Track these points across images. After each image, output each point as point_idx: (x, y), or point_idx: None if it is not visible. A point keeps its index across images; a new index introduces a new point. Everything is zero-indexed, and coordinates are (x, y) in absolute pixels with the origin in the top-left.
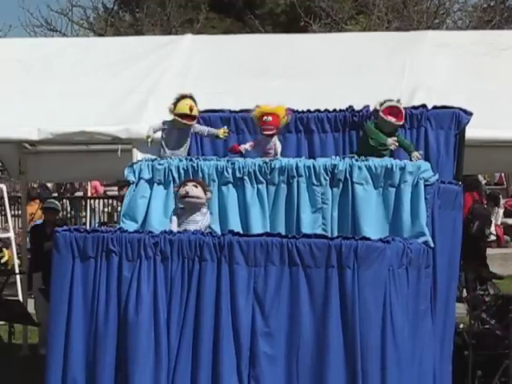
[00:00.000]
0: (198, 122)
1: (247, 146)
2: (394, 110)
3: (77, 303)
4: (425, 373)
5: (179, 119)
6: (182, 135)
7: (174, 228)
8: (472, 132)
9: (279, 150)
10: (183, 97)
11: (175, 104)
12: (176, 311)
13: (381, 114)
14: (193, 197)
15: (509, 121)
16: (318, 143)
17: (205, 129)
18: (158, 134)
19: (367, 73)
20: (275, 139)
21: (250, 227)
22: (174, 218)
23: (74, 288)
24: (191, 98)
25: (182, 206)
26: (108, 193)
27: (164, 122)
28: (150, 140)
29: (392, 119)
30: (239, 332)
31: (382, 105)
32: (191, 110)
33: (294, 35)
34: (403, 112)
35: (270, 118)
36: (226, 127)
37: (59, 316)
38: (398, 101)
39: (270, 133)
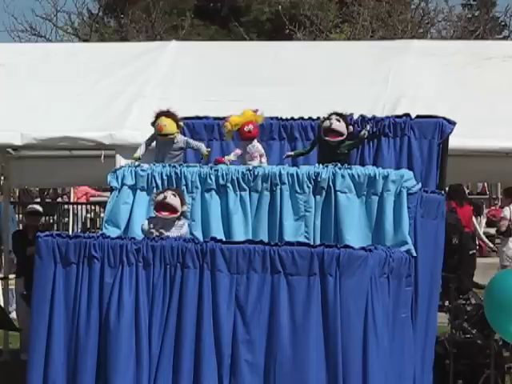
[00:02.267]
0: (183, 129)
1: (231, 156)
2: (326, 130)
3: (58, 309)
4: (405, 380)
5: (157, 134)
6: (165, 147)
7: (144, 226)
8: (456, 141)
9: (262, 150)
10: (158, 116)
11: (154, 121)
12: (158, 318)
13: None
14: (168, 206)
15: (492, 130)
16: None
17: (197, 145)
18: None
19: (351, 81)
20: (255, 142)
21: (232, 234)
22: (146, 224)
23: (55, 293)
24: (167, 114)
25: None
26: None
27: (152, 135)
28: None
29: (329, 139)
30: (220, 339)
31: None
32: (160, 130)
33: (278, 42)
34: (338, 128)
35: (251, 127)
36: (209, 149)
37: (40, 321)
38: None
39: (251, 137)
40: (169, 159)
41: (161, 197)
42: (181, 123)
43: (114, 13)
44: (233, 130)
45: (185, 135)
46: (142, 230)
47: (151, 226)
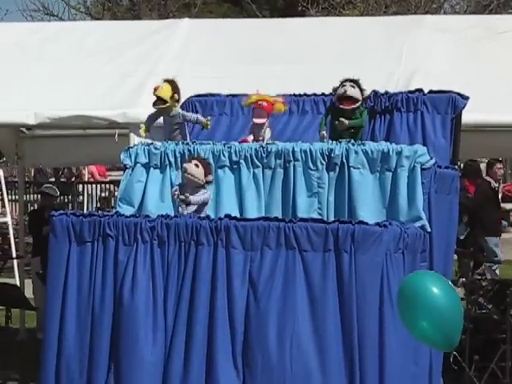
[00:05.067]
0: (195, 106)
1: (250, 139)
2: (341, 98)
3: (73, 287)
4: (422, 357)
5: (153, 107)
6: (167, 122)
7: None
8: (469, 116)
9: (267, 136)
10: (163, 81)
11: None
12: (173, 295)
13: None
14: (190, 174)
15: (506, 105)
16: (311, 124)
17: (194, 117)
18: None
19: (365, 57)
20: (266, 127)
21: (245, 210)
22: (176, 188)
23: (69, 272)
24: (170, 81)
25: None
26: (110, 178)
27: (149, 116)
28: (143, 130)
29: (343, 107)
30: (234, 316)
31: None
32: (155, 90)
33: (291, 19)
34: (354, 94)
35: (265, 103)
36: (209, 117)
37: (55, 300)
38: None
39: (261, 122)
40: (170, 133)
41: (184, 167)
42: (176, 96)
43: None
44: (252, 99)
45: (197, 112)
46: (172, 196)
47: (177, 192)
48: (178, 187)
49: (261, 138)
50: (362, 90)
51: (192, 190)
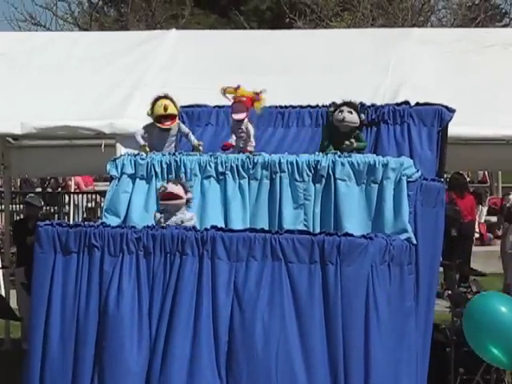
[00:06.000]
0: (181, 117)
1: (232, 140)
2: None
3: (57, 297)
4: (410, 370)
5: (156, 123)
6: (163, 136)
7: (156, 218)
8: (456, 129)
9: (252, 132)
10: (158, 98)
11: (152, 107)
12: (158, 305)
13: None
14: (171, 194)
15: (492, 118)
16: (294, 136)
17: (187, 131)
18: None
19: (352, 69)
20: (246, 122)
21: (230, 222)
22: (157, 214)
23: (54, 282)
24: (166, 97)
25: (162, 208)
26: (97, 188)
27: (144, 127)
28: (147, 149)
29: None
30: (218, 325)
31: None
32: (166, 109)
33: (279, 31)
34: (352, 119)
35: (244, 98)
36: (201, 142)
37: (40, 309)
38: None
39: (241, 117)
40: (165, 146)
41: (162, 189)
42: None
43: (113, 2)
44: (230, 92)
45: (184, 122)
46: (155, 221)
47: (161, 216)
48: (158, 213)
49: (243, 135)
50: (358, 114)
51: (171, 211)
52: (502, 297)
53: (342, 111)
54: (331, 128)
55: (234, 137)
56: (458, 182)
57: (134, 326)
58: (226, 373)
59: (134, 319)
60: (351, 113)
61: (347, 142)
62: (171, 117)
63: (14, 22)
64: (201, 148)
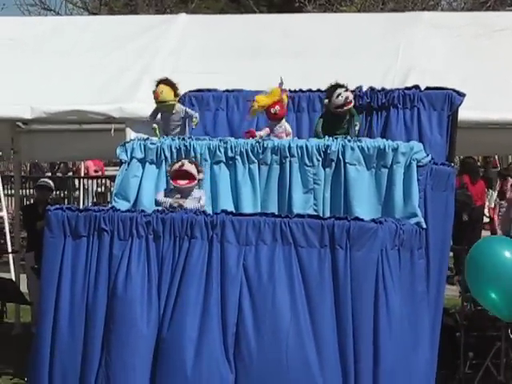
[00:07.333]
0: (191, 101)
1: (263, 132)
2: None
3: (67, 281)
4: (419, 352)
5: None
6: (166, 119)
7: (159, 197)
8: (466, 113)
9: (289, 129)
10: (157, 84)
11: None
12: (166, 288)
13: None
14: (185, 172)
15: (503, 102)
16: (307, 122)
17: (191, 113)
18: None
19: (362, 53)
20: (282, 122)
21: (240, 206)
22: (161, 193)
23: (64, 266)
24: (165, 81)
25: (172, 187)
26: (106, 173)
27: (150, 116)
28: (157, 131)
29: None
30: (227, 308)
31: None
32: (157, 98)
33: (288, 15)
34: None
35: (278, 108)
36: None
37: (49, 293)
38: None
39: (279, 118)
40: (170, 130)
41: (178, 165)
42: (179, 92)
43: None
44: (259, 110)
45: (193, 106)
46: (156, 202)
47: (167, 197)
48: (162, 192)
49: (282, 134)
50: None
51: (182, 192)
52: (506, 241)
53: (340, 94)
54: (329, 117)
55: (267, 130)
56: (471, 167)
57: (143, 309)
58: (234, 355)
59: (144, 302)
60: (347, 90)
61: (357, 124)
62: (164, 102)
63: (23, 6)
64: (194, 120)
